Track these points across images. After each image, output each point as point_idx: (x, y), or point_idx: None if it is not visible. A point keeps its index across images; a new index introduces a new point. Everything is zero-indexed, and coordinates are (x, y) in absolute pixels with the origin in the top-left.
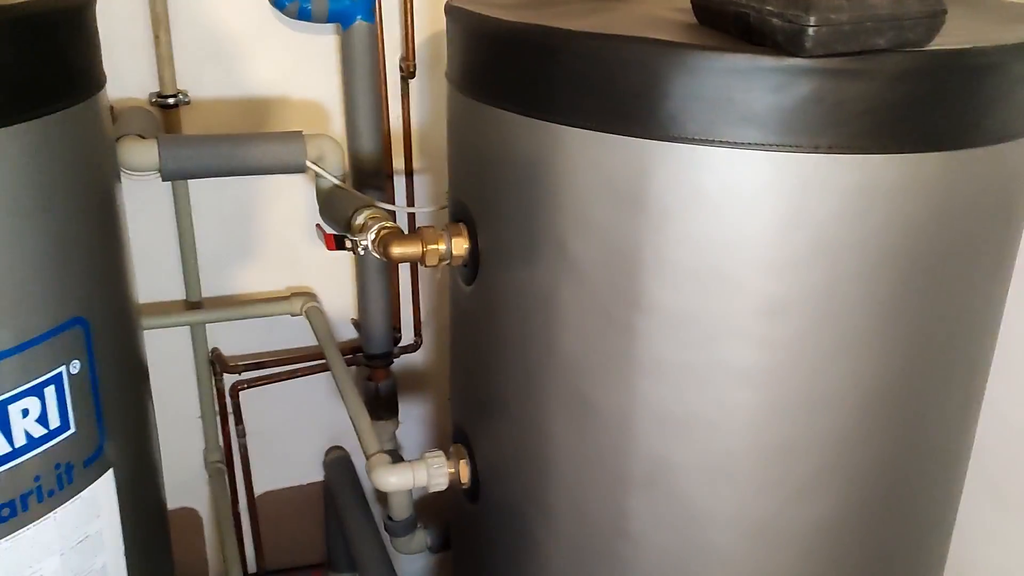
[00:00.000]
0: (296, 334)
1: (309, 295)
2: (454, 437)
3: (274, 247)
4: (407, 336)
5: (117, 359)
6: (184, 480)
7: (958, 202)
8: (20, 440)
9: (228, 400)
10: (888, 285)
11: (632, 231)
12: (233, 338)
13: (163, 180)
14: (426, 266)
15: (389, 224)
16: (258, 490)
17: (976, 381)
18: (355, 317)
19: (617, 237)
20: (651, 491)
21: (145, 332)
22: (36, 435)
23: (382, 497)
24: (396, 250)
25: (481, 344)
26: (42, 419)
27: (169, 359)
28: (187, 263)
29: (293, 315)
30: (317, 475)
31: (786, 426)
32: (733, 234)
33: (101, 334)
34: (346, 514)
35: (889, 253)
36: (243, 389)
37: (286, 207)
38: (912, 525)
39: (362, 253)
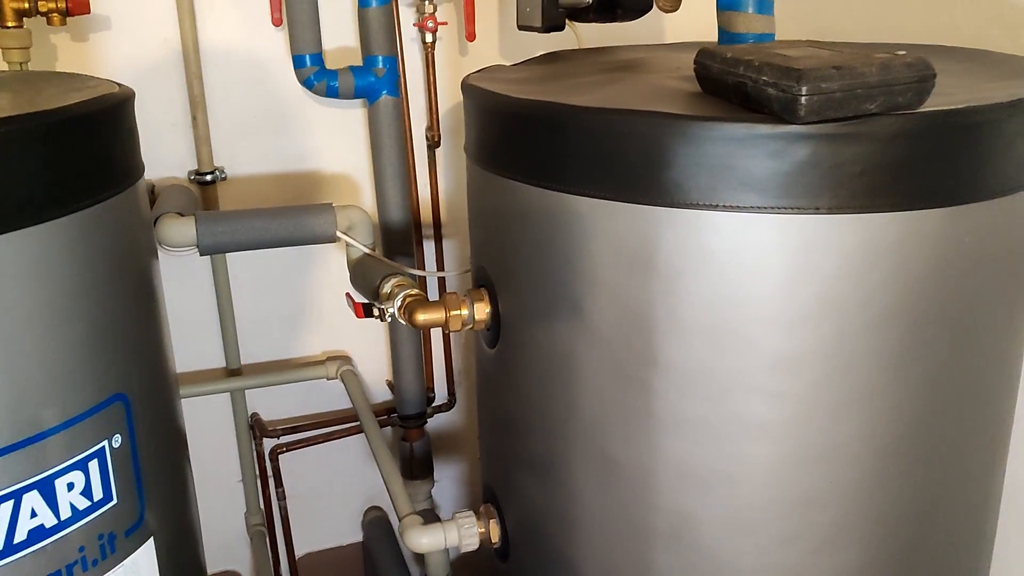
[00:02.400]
0: (332, 397)
1: (344, 358)
2: (484, 497)
3: (310, 314)
4: (440, 395)
5: (156, 430)
6: (227, 543)
7: (962, 256)
8: (66, 512)
9: (268, 463)
10: (896, 339)
11: (645, 292)
12: (272, 403)
13: (200, 255)
14: (450, 331)
15: (414, 292)
16: (299, 551)
17: (999, 429)
18: (389, 379)
19: (630, 299)
20: (675, 545)
21: (187, 400)
22: (80, 508)
23: (419, 557)
24: (421, 317)
25: (506, 404)
26: (86, 492)
27: (211, 425)
28: (226, 332)
29: (329, 379)
30: (356, 535)
31: (804, 478)
32: (742, 293)
33: (141, 408)
34: (384, 574)
35: (895, 308)
36: (282, 453)
37: (321, 274)
38: (941, 573)
39: (389, 320)
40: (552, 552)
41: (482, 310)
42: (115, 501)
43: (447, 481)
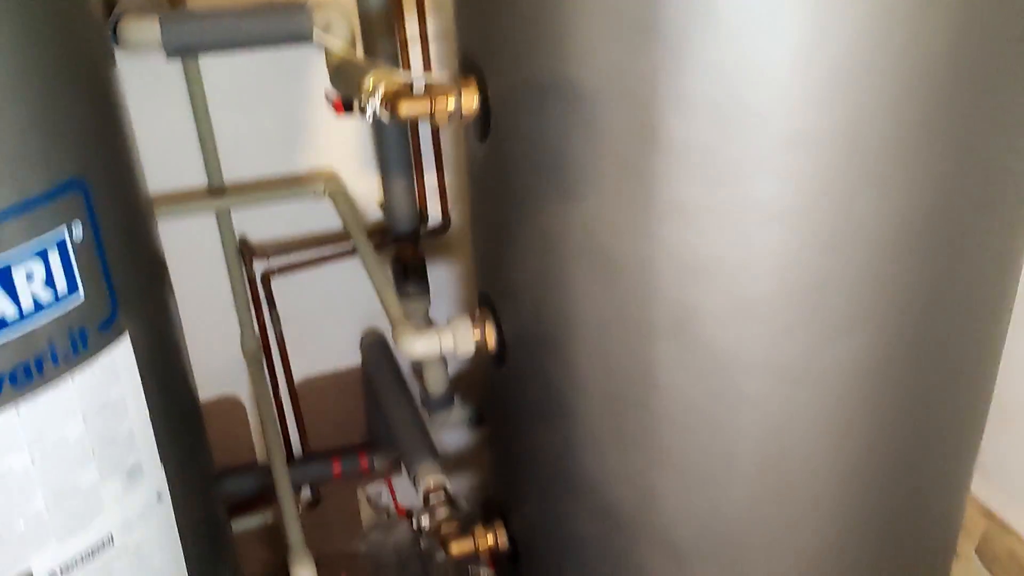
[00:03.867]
0: (323, 219)
1: (332, 176)
2: (480, 302)
3: (295, 130)
4: (434, 219)
5: (124, 227)
6: (224, 369)
7: (979, 26)
8: (28, 305)
9: (260, 288)
10: (913, 117)
11: (646, 63)
12: (260, 225)
13: (168, 56)
14: (437, 124)
15: (396, 81)
16: (297, 377)
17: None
18: (380, 200)
19: (630, 73)
20: (677, 339)
21: (171, 222)
22: (44, 300)
23: (419, 375)
24: (405, 108)
25: (499, 202)
26: (49, 283)
27: (198, 249)
28: (206, 147)
29: (317, 196)
30: (355, 360)
31: (814, 264)
32: (753, 61)
33: (104, 198)
34: (384, 393)
35: (912, 82)
36: (274, 276)
37: (305, 88)
38: (952, 365)
39: (371, 114)
40: (549, 352)
41: (470, 98)
42: (82, 295)
43: (444, 304)
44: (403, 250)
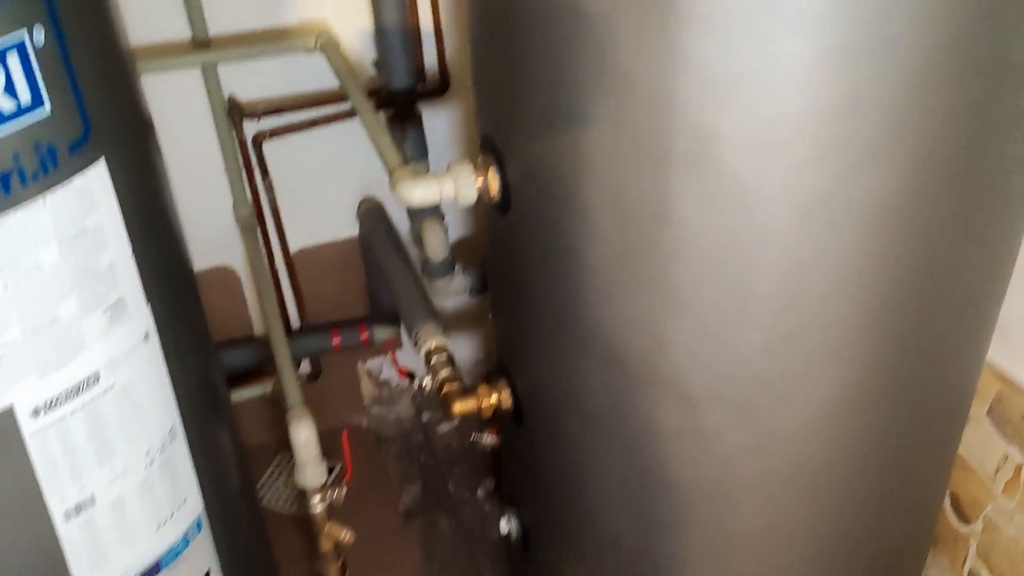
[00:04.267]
0: (316, 76)
1: (324, 29)
2: (481, 147)
3: None
4: (431, 80)
5: (93, 38)
6: (216, 238)
7: None
8: None
9: (252, 151)
10: None
11: None
12: (249, 83)
13: None
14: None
15: None
16: (293, 247)
17: None
18: (375, 58)
19: None
20: (694, 169)
21: (153, 79)
22: (5, 109)
23: (418, 241)
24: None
25: (506, 18)
26: (9, 90)
27: (183, 108)
28: None
29: (308, 50)
30: (352, 231)
31: (845, 81)
32: None
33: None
34: (383, 260)
35: None
36: (266, 139)
37: None
38: (983, 209)
39: None
40: (556, 193)
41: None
42: (48, 108)
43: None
44: (400, 109)
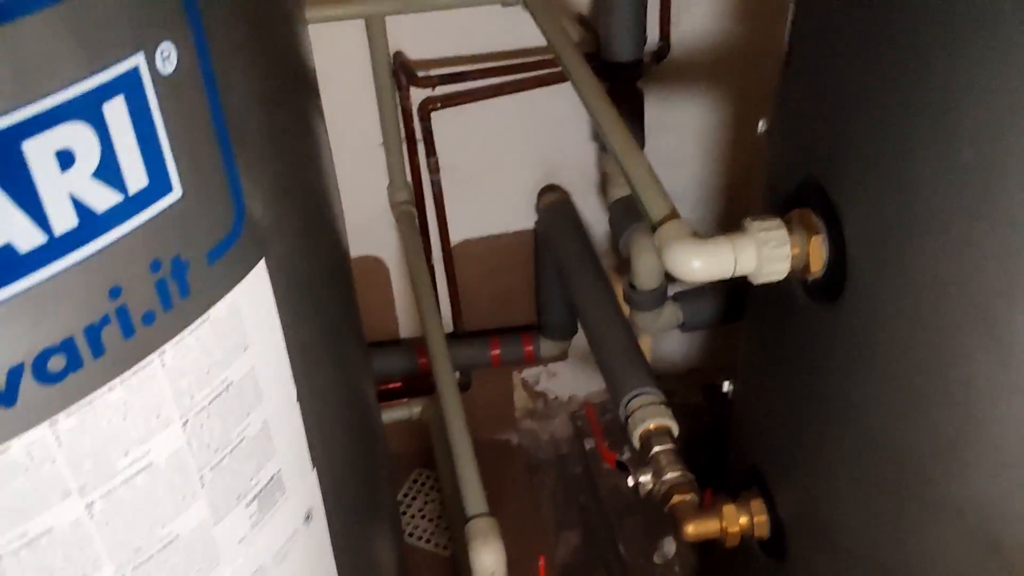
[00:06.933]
0: (503, 33)
1: None
2: (797, 197)
3: None
4: (651, 39)
5: (253, 48)
6: (364, 223)
7: None
8: (65, 221)
9: (417, 123)
10: None
11: None
12: (421, 39)
13: None
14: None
15: None
16: (455, 238)
17: None
18: (580, 11)
19: None
20: None
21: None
22: (99, 208)
23: (623, 258)
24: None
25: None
26: (106, 171)
27: (338, 67)
28: None
29: (507, 4)
30: (526, 221)
31: None
32: None
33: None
34: (572, 280)
35: None
36: (436, 109)
37: None
38: None
39: None
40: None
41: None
42: (178, 194)
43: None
44: (619, 86)
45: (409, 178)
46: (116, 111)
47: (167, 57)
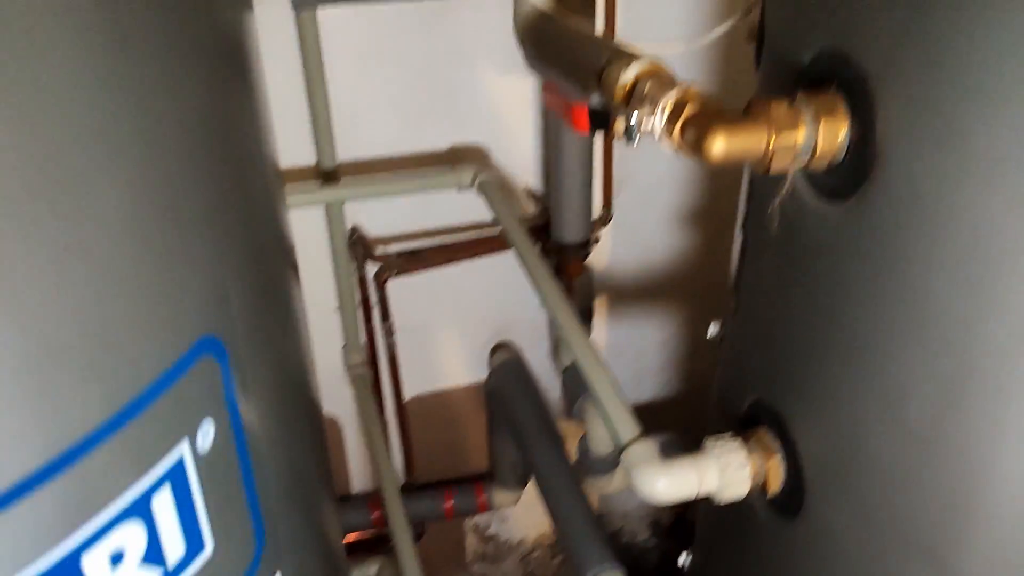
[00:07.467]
0: (457, 209)
1: (479, 157)
2: (747, 417)
3: (430, 93)
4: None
5: (278, 398)
6: (322, 383)
7: None
8: None
9: (372, 290)
10: None
11: None
12: (377, 214)
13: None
14: (769, 171)
15: (696, 96)
16: (408, 393)
17: None
18: (528, 186)
19: None
20: None
21: None
22: None
23: (577, 419)
24: (719, 143)
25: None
26: (151, 554)
27: (299, 238)
28: (318, 119)
29: (461, 189)
30: (479, 373)
31: None
32: None
33: (242, 359)
34: (525, 436)
35: None
36: (391, 277)
37: (442, 38)
38: None
39: (637, 141)
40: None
41: (835, 130)
42: (209, 551)
43: (619, 330)
44: (568, 267)
45: (364, 340)
46: (163, 502)
47: (207, 435)
